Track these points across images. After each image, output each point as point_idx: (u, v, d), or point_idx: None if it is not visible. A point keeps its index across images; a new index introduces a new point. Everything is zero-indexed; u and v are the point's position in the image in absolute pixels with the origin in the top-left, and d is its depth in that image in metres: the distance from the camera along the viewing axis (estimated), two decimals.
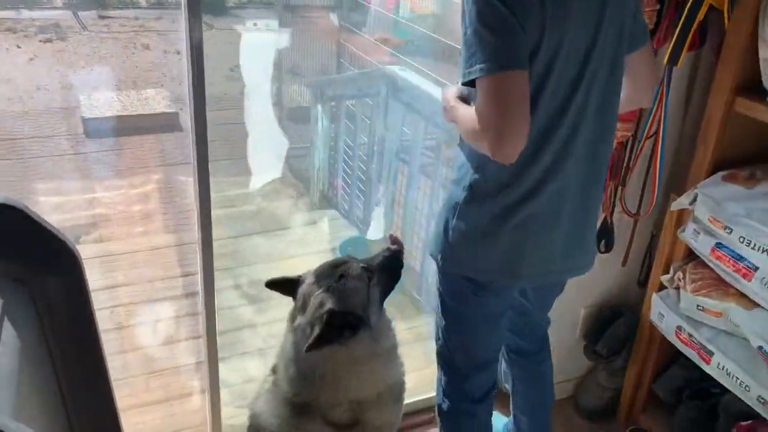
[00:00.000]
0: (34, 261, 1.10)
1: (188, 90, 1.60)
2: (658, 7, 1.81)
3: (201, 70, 1.58)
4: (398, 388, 1.59)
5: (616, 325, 2.28)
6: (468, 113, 1.33)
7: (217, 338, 1.93)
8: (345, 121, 4.02)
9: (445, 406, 1.76)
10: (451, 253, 1.50)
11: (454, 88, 1.50)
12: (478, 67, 1.22)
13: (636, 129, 2.00)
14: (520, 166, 1.34)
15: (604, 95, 1.40)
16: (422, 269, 3.08)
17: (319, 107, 4.04)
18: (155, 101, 5.14)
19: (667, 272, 2.07)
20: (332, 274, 1.45)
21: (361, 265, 1.48)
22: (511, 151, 1.25)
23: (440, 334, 1.69)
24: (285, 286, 1.54)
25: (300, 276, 1.52)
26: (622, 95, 1.48)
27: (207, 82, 1.61)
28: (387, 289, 1.52)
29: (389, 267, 1.52)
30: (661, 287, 2.10)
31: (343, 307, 1.40)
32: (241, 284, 2.91)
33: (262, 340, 2.51)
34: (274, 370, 1.56)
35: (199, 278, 1.85)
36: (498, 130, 1.22)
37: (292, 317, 1.50)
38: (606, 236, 2.18)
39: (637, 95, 1.56)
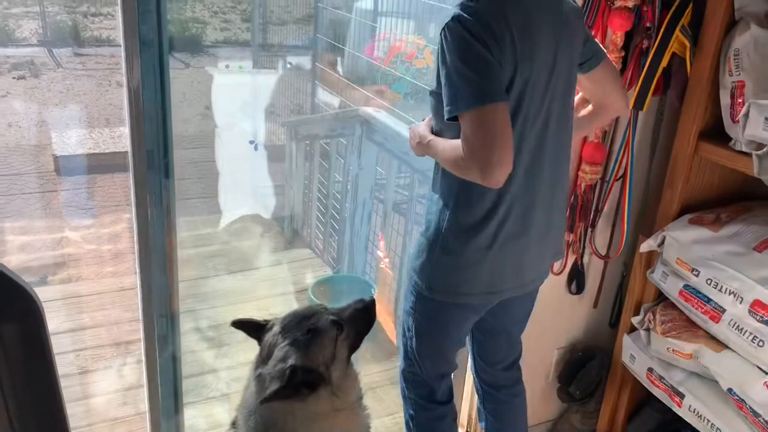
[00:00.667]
0: None
1: (130, 130, 1.58)
2: (623, 54, 1.85)
3: (167, 108, 1.57)
4: None
5: (588, 367, 2.27)
6: (450, 145, 1.41)
7: (183, 382, 1.88)
8: (319, 160, 4.04)
9: (416, 419, 1.80)
10: (439, 284, 1.56)
11: (424, 124, 1.58)
12: (464, 102, 1.32)
13: (604, 172, 2.03)
14: (495, 193, 1.45)
15: (560, 122, 1.52)
16: (396, 310, 3.07)
17: (294, 146, 4.05)
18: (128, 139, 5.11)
19: (638, 313, 2.08)
20: (300, 326, 1.40)
21: (332, 317, 1.43)
22: (501, 177, 1.34)
23: (411, 355, 1.73)
24: (251, 328, 1.49)
25: (268, 321, 1.48)
26: (596, 106, 1.67)
27: (182, 120, 1.60)
28: (356, 343, 1.47)
29: (360, 320, 1.47)
30: (632, 328, 2.11)
31: (307, 363, 1.36)
32: (203, 327, 2.86)
33: (226, 384, 2.46)
34: (233, 424, 1.49)
35: (140, 325, 1.82)
36: (488, 158, 1.31)
37: (256, 365, 1.44)
38: (577, 278, 2.19)
39: (610, 100, 1.66)
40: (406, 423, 1.85)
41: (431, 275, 1.56)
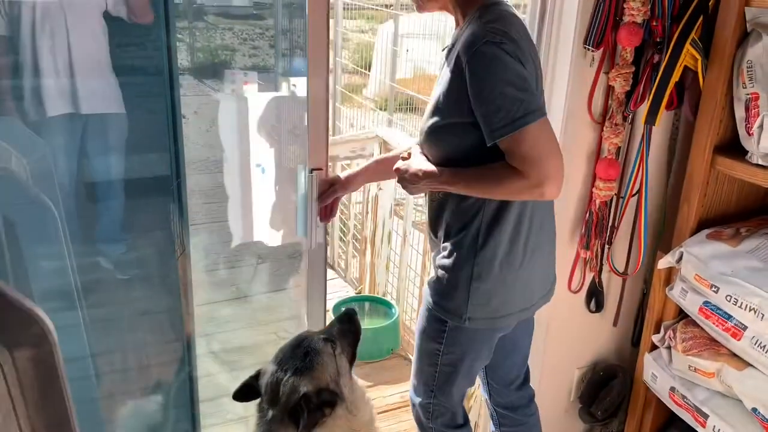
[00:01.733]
0: None
1: None
2: (633, 69, 1.84)
3: (178, 134, 1.60)
4: None
5: (610, 387, 2.23)
6: (491, 171, 1.39)
7: (200, 406, 1.89)
8: None
9: None
10: (477, 312, 1.53)
11: (418, 162, 1.51)
12: (520, 120, 1.31)
13: (619, 188, 2.01)
14: (518, 211, 1.48)
15: None
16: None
17: None
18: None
19: (658, 331, 2.04)
20: (295, 355, 1.39)
21: (322, 336, 1.44)
22: (560, 187, 1.36)
23: (436, 388, 1.68)
24: (248, 390, 1.45)
25: (258, 370, 1.45)
26: None
27: (209, 145, 1.63)
28: (352, 355, 1.49)
29: (348, 332, 1.50)
30: (653, 347, 2.07)
31: (317, 384, 1.35)
32: (217, 350, 2.86)
33: (243, 407, 2.45)
34: None
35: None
36: (549, 171, 1.33)
37: (262, 410, 1.41)
38: (596, 296, 2.16)
39: None
40: None
41: (468, 307, 1.52)
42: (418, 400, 1.75)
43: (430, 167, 1.49)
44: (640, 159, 1.95)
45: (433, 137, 1.48)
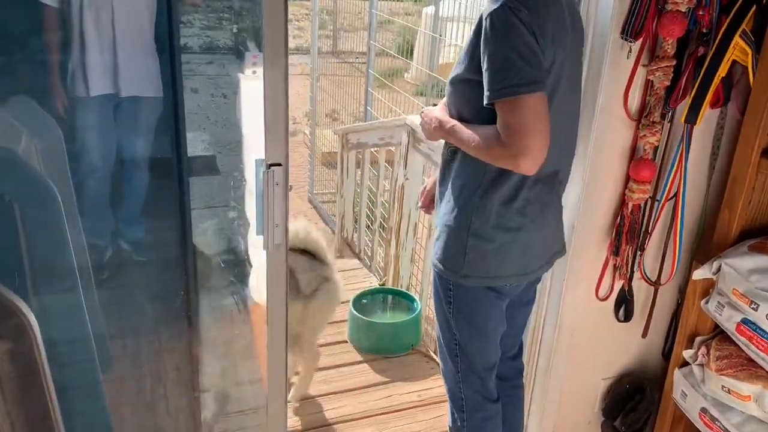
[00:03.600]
0: None
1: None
2: (674, 62, 1.68)
3: (180, 116, 1.53)
4: None
5: (636, 401, 2.09)
6: (483, 131, 1.41)
7: None
8: (369, 168, 3.96)
9: (468, 424, 1.76)
10: (473, 269, 1.55)
11: (439, 109, 1.59)
12: (509, 88, 1.32)
13: (654, 190, 1.86)
14: (520, 176, 1.47)
15: (575, 117, 1.62)
16: None
17: (345, 154, 4.00)
18: (193, 145, 5.20)
19: (691, 346, 1.90)
20: None
21: None
22: (535, 165, 1.35)
23: (458, 350, 1.70)
24: None
25: None
26: None
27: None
28: None
29: None
30: (685, 362, 1.93)
31: None
32: None
33: None
34: None
35: None
36: (526, 145, 1.32)
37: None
38: (625, 304, 2.02)
39: None
40: None
41: (464, 263, 1.55)
42: (448, 370, 1.75)
43: (441, 117, 1.55)
44: (678, 160, 1.80)
45: (451, 89, 1.52)
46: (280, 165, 1.58)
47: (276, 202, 1.60)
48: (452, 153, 1.57)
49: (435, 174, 1.72)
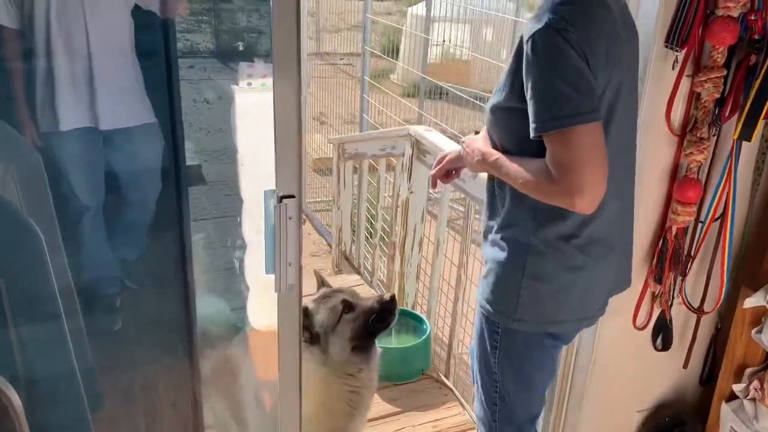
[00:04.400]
0: None
1: None
2: (724, 73, 1.53)
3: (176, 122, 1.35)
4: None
5: None
6: (531, 166, 1.27)
7: None
8: (369, 179, 3.79)
9: None
10: (528, 312, 1.40)
11: (482, 139, 1.45)
12: (558, 120, 1.18)
13: (698, 211, 1.71)
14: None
15: (633, 137, 1.46)
16: (450, 350, 2.80)
17: (342, 164, 3.81)
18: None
19: (740, 379, 1.75)
20: (319, 295, 1.73)
21: (344, 298, 1.68)
22: (594, 202, 1.22)
23: (498, 400, 1.54)
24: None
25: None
26: None
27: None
28: (361, 330, 1.66)
29: (374, 312, 1.67)
30: (732, 395, 1.78)
31: (312, 319, 1.67)
32: None
33: None
34: None
35: None
36: (580, 182, 1.19)
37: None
38: (663, 333, 1.87)
39: None
40: None
41: (518, 305, 1.40)
42: (485, 418, 1.59)
43: (484, 149, 1.41)
44: (726, 178, 1.65)
45: (492, 117, 1.39)
46: (293, 197, 1.40)
47: (289, 238, 1.42)
48: (500, 184, 1.42)
49: (457, 148, 1.58)
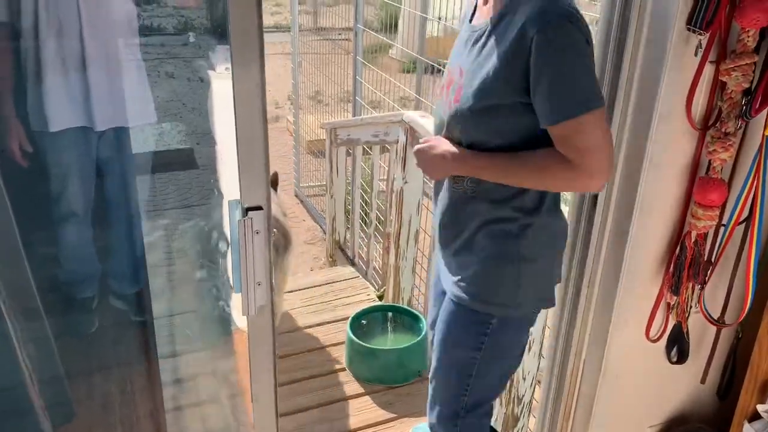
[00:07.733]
0: None
1: None
2: (755, 59, 1.34)
3: None
4: None
5: None
6: (537, 158, 1.29)
7: None
8: (362, 164, 3.60)
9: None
10: (528, 295, 1.45)
11: (444, 142, 1.41)
12: (588, 103, 1.23)
13: (720, 215, 1.52)
14: (555, 195, 1.41)
15: None
16: None
17: (335, 150, 3.63)
18: (170, 136, 4.81)
19: (764, 397, 1.59)
20: None
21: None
22: (607, 181, 1.32)
23: (468, 399, 1.55)
24: None
25: None
26: None
27: None
28: None
29: None
30: (756, 415, 1.62)
31: None
32: None
33: None
34: None
35: None
36: (602, 164, 1.26)
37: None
38: (679, 344, 1.70)
39: None
40: None
41: (519, 290, 1.43)
42: (446, 417, 1.59)
43: (459, 151, 1.38)
44: (753, 177, 1.46)
45: (477, 119, 1.34)
46: (260, 209, 1.23)
47: (257, 255, 1.25)
48: (476, 183, 1.39)
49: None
